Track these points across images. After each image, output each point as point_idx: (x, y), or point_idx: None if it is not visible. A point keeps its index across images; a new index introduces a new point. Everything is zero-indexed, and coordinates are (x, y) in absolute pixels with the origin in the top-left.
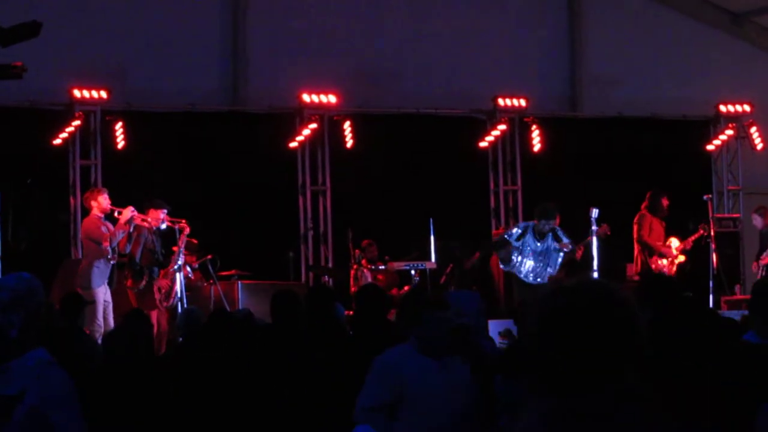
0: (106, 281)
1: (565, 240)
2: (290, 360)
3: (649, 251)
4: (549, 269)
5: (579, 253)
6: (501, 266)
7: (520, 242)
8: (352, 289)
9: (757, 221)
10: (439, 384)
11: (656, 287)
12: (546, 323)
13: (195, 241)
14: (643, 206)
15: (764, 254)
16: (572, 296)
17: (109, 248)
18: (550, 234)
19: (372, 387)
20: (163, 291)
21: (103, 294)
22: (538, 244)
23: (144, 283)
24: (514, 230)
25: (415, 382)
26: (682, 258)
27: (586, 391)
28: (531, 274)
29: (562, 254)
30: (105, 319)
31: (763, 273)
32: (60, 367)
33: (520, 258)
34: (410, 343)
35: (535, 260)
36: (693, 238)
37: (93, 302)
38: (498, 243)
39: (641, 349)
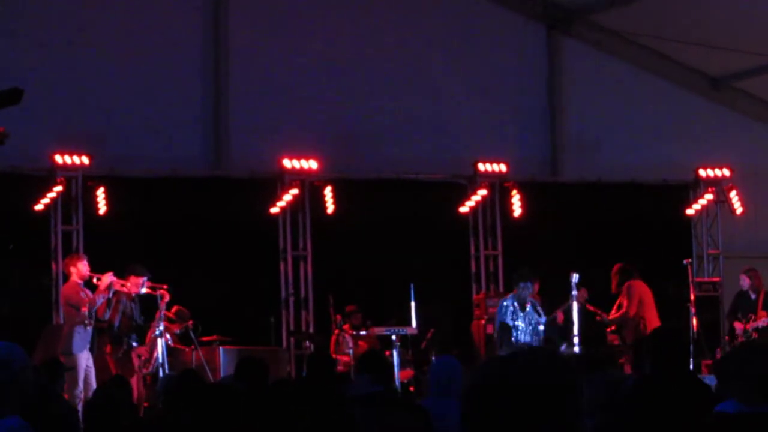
0: (88, 347)
1: (542, 318)
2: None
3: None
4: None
5: (560, 318)
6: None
7: (513, 321)
8: (333, 354)
9: (744, 282)
10: None
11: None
12: (475, 393)
13: (186, 311)
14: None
15: (756, 316)
16: (502, 367)
17: (86, 313)
18: (530, 306)
19: None
20: (143, 357)
21: (85, 360)
22: (526, 319)
23: (123, 349)
24: (507, 312)
25: None
26: None
27: None
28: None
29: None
30: (88, 384)
31: (754, 336)
32: None
33: (516, 337)
34: None
35: (530, 337)
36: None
37: (73, 368)
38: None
39: (574, 417)
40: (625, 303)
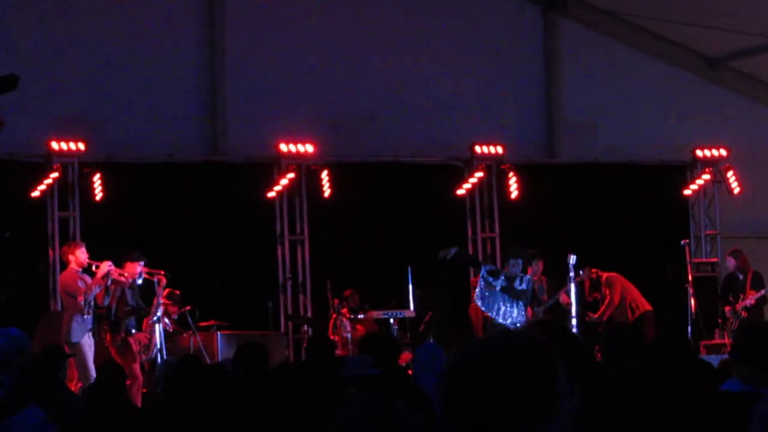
0: (89, 333)
1: (525, 285)
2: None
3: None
4: (515, 311)
5: (565, 298)
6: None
7: (492, 279)
8: (331, 337)
9: (730, 263)
10: None
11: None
12: (453, 374)
13: (177, 292)
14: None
15: (745, 296)
16: (481, 348)
17: (83, 302)
18: (519, 279)
19: None
20: (142, 344)
21: (89, 346)
22: (511, 292)
23: (122, 336)
24: (490, 274)
25: None
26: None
27: None
28: (500, 317)
29: (525, 297)
30: None
31: (743, 315)
32: (53, 423)
33: (490, 303)
34: None
35: (503, 302)
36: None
37: (75, 354)
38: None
39: (550, 401)
40: (608, 293)
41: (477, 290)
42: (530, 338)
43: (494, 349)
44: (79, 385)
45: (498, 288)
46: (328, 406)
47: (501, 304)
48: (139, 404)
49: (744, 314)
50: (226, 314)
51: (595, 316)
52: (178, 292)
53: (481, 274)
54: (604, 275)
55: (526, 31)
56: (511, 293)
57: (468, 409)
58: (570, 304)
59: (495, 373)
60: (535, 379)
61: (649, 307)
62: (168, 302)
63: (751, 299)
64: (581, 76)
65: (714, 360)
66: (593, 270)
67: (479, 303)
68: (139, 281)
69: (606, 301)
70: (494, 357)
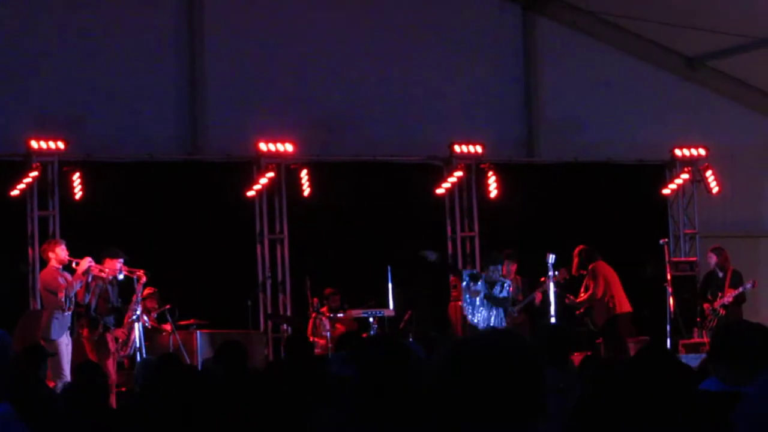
0: (67, 331)
1: (505, 292)
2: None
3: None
4: (492, 318)
5: (539, 298)
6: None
7: (472, 284)
8: (311, 337)
9: (711, 260)
10: None
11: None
12: (441, 374)
13: (157, 290)
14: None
15: (723, 294)
16: (468, 347)
17: (64, 299)
18: (499, 284)
19: None
20: (120, 340)
21: (65, 345)
22: (488, 295)
23: (99, 332)
24: (470, 280)
25: None
26: None
27: None
28: (482, 323)
29: (506, 305)
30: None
31: (722, 312)
32: (22, 421)
33: (472, 307)
34: None
35: (486, 309)
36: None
37: (55, 354)
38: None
39: (539, 399)
40: (591, 285)
41: (463, 294)
42: (515, 337)
43: (480, 348)
44: (52, 384)
45: (482, 295)
46: (308, 404)
47: (481, 308)
48: (112, 403)
49: (722, 312)
50: (206, 313)
51: (577, 301)
52: (157, 290)
53: (463, 279)
54: (593, 264)
55: (506, 30)
56: (492, 301)
57: (456, 409)
58: (549, 303)
59: (482, 373)
60: (521, 377)
61: (627, 309)
62: (148, 299)
63: (729, 297)
64: (561, 75)
65: (694, 359)
66: (583, 246)
67: (464, 305)
68: (120, 277)
69: (590, 292)
70: (480, 356)
